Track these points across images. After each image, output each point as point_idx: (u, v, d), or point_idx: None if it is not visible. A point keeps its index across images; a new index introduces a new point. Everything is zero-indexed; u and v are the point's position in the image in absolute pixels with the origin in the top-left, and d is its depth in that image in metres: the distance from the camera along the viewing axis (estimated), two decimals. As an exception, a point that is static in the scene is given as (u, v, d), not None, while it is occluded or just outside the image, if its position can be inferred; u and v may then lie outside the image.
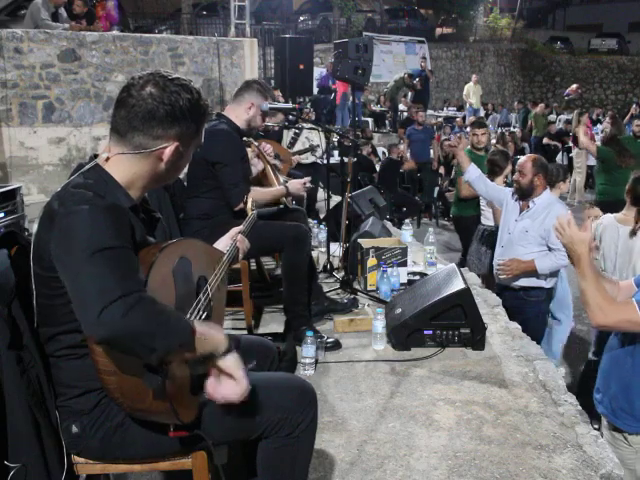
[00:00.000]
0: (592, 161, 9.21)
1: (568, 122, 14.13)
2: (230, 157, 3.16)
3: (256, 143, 3.76)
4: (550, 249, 3.80)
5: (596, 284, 2.29)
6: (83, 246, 1.35)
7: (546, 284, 3.93)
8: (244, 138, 3.60)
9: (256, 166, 3.66)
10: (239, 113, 3.33)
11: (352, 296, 3.94)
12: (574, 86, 15.33)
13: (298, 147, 6.64)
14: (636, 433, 2.38)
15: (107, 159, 1.58)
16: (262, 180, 3.77)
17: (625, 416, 2.39)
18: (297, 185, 3.51)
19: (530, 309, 3.94)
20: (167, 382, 1.40)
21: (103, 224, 1.38)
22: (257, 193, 3.31)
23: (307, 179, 3.65)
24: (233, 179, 3.17)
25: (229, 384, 1.51)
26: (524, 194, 3.94)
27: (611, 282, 2.57)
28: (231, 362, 1.51)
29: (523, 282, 3.94)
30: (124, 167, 1.57)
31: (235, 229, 2.08)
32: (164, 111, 1.53)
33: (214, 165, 3.16)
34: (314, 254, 4.30)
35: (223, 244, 2.00)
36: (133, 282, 1.35)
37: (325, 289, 3.97)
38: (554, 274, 3.95)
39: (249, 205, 2.44)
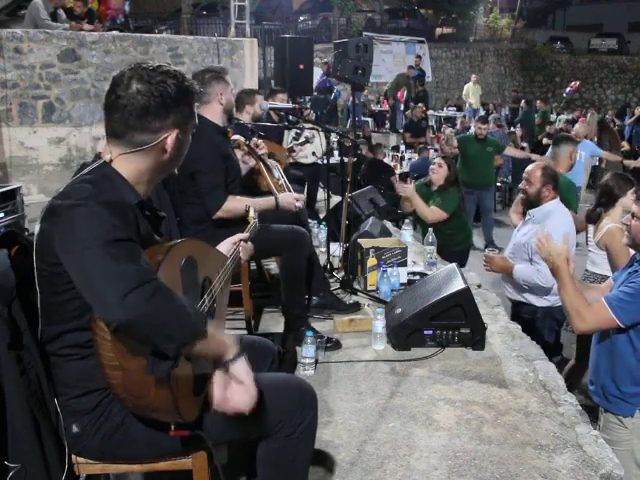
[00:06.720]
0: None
1: (568, 122, 14.12)
2: (206, 165, 3.10)
3: (245, 141, 3.70)
4: (532, 262, 3.65)
5: (574, 293, 2.55)
6: (93, 237, 1.36)
7: (537, 302, 3.75)
8: (235, 137, 3.56)
9: (247, 163, 3.63)
10: (213, 108, 3.22)
11: (355, 300, 3.92)
12: (577, 83, 15.17)
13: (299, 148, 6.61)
14: (630, 415, 2.60)
15: (110, 161, 1.58)
16: (256, 177, 3.75)
17: (617, 401, 2.62)
18: (289, 199, 3.33)
19: (526, 324, 3.74)
20: (171, 376, 1.40)
21: (109, 218, 1.39)
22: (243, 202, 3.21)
23: (301, 196, 3.48)
24: (208, 186, 3.11)
25: (238, 392, 1.52)
26: (531, 204, 3.76)
27: (595, 289, 2.87)
28: (240, 368, 1.53)
29: (514, 296, 3.90)
30: (130, 165, 1.58)
31: (238, 235, 2.08)
32: (156, 103, 1.52)
33: (193, 174, 3.12)
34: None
35: (225, 248, 2.00)
36: (151, 271, 1.38)
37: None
38: (546, 293, 3.70)
39: (251, 214, 2.41)
